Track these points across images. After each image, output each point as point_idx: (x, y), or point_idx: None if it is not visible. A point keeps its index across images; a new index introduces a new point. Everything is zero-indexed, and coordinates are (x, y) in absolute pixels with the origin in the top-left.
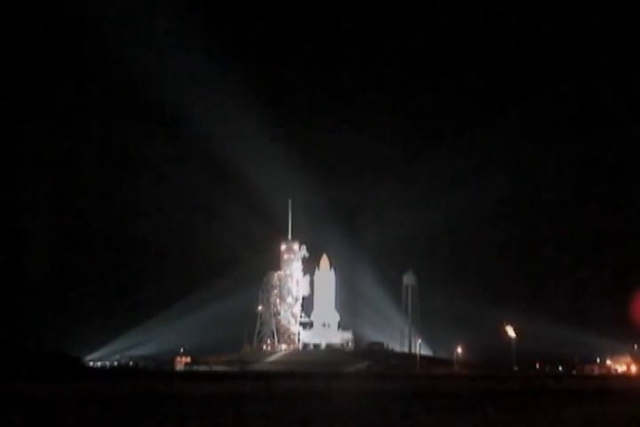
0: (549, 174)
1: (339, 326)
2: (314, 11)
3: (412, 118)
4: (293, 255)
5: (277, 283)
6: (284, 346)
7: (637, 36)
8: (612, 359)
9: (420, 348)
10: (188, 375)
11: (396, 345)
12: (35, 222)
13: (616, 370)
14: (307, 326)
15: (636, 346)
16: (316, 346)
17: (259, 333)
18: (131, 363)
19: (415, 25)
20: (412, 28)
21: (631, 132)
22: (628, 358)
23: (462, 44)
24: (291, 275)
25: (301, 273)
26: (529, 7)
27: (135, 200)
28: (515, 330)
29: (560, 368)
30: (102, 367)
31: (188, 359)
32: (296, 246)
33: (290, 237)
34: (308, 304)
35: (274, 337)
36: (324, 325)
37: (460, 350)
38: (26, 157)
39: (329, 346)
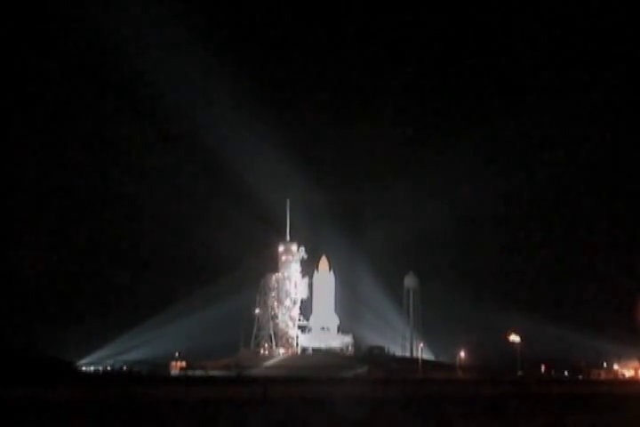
0: (554, 176)
1: (338, 330)
2: (315, 9)
3: (413, 118)
4: (292, 257)
5: (275, 285)
6: (281, 350)
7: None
8: (619, 364)
9: (422, 352)
10: (183, 380)
11: (398, 349)
12: (27, 225)
13: (623, 375)
14: (305, 329)
15: None
16: (315, 350)
17: (256, 336)
18: (125, 367)
19: (417, 23)
20: (413, 27)
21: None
22: (635, 363)
23: (463, 42)
24: (289, 277)
25: (300, 275)
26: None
27: (129, 201)
28: (520, 334)
29: (566, 373)
30: (95, 372)
31: (184, 364)
32: (294, 248)
33: (288, 238)
34: (306, 307)
35: (271, 341)
36: (323, 328)
37: (462, 354)
38: (19, 158)
39: (328, 350)
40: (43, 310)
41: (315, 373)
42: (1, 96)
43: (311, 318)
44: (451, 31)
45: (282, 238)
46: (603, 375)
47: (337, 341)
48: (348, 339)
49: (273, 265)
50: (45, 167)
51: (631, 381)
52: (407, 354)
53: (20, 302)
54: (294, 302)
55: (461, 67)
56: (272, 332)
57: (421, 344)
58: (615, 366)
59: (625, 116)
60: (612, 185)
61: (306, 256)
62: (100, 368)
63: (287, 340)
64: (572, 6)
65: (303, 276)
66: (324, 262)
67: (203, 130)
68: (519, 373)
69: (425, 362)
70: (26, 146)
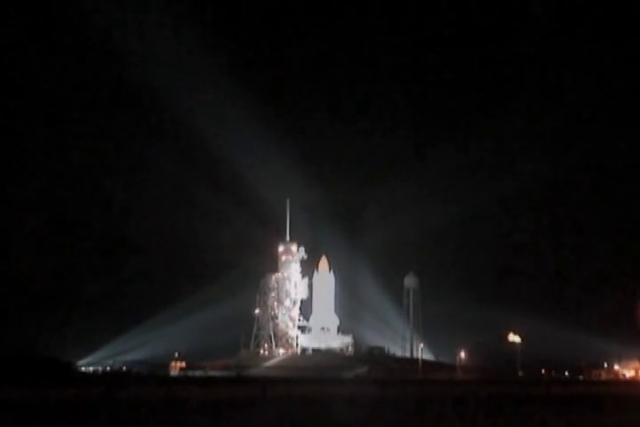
0: (555, 174)
1: (338, 330)
2: (315, 7)
3: (413, 118)
4: (291, 257)
5: (275, 285)
6: (281, 350)
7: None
8: (619, 364)
9: (422, 352)
10: (183, 380)
11: (398, 350)
12: (25, 224)
13: (624, 375)
14: (305, 329)
15: None
16: (315, 350)
17: (256, 337)
18: (124, 368)
19: (417, 21)
20: (414, 25)
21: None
22: (636, 363)
23: (465, 40)
24: (289, 277)
25: (300, 275)
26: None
27: (129, 200)
28: (520, 334)
29: (566, 373)
30: (95, 372)
31: (183, 364)
32: (294, 248)
33: (288, 238)
34: (306, 307)
35: (271, 341)
36: (322, 328)
37: (463, 354)
38: (20, 158)
39: (328, 350)
40: (43, 310)
41: (315, 373)
42: (1, 96)
43: (311, 319)
44: (452, 31)
45: (282, 238)
46: (603, 376)
47: (337, 341)
48: (347, 339)
49: (273, 265)
50: (46, 168)
51: (632, 381)
52: (407, 354)
53: (19, 303)
54: (294, 303)
55: (462, 66)
56: (272, 332)
57: (421, 345)
58: (616, 367)
59: (626, 116)
60: (613, 185)
61: (306, 256)
62: (100, 369)
63: (287, 340)
64: (571, 5)
65: (303, 276)
66: (323, 263)
67: (202, 130)
68: (519, 373)
69: (425, 362)
70: (26, 146)
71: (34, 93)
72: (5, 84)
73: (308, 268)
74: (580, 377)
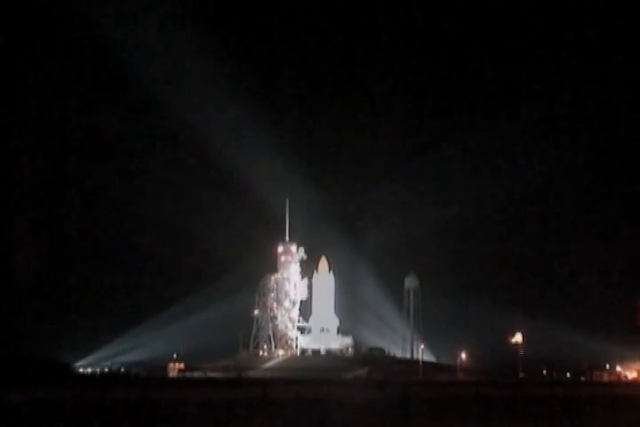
0: (554, 176)
1: (338, 331)
2: (314, 8)
3: (413, 118)
4: (291, 257)
5: (274, 286)
6: (281, 352)
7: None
8: (622, 365)
9: (423, 353)
10: (181, 382)
11: (398, 351)
12: (24, 225)
13: (626, 377)
14: (305, 330)
15: None
16: (315, 352)
17: (255, 338)
18: (122, 369)
19: (415, 22)
20: (411, 26)
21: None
22: (638, 365)
23: (463, 41)
24: (288, 278)
25: (299, 276)
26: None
27: (127, 200)
28: (521, 335)
29: (568, 375)
30: (93, 374)
31: (182, 365)
32: (294, 248)
33: (287, 238)
34: (306, 308)
35: (270, 342)
36: (322, 330)
37: (463, 355)
38: (17, 158)
39: (328, 352)
40: (41, 311)
41: (314, 374)
42: None
43: (311, 320)
44: (450, 30)
45: (281, 239)
46: (605, 377)
47: (337, 342)
48: (347, 340)
49: (272, 266)
50: (44, 167)
51: (634, 382)
52: (408, 356)
53: (17, 304)
54: (293, 303)
55: (460, 67)
56: (271, 333)
57: (422, 346)
58: (618, 368)
59: (626, 116)
60: (612, 185)
61: (305, 257)
62: (98, 370)
63: (286, 341)
64: (570, 5)
65: (302, 277)
66: (323, 263)
67: (201, 130)
68: (521, 374)
69: (425, 364)
70: (24, 146)
71: (33, 93)
72: (7, 87)
73: (308, 268)
74: (582, 379)
